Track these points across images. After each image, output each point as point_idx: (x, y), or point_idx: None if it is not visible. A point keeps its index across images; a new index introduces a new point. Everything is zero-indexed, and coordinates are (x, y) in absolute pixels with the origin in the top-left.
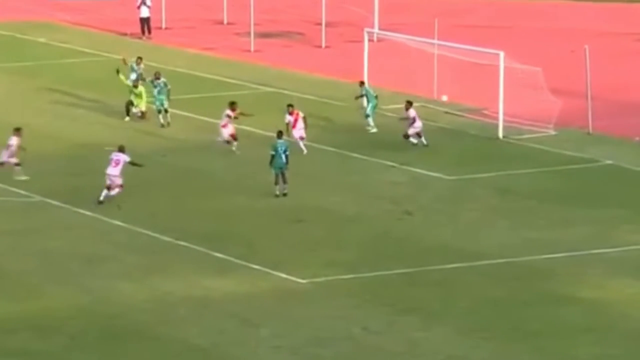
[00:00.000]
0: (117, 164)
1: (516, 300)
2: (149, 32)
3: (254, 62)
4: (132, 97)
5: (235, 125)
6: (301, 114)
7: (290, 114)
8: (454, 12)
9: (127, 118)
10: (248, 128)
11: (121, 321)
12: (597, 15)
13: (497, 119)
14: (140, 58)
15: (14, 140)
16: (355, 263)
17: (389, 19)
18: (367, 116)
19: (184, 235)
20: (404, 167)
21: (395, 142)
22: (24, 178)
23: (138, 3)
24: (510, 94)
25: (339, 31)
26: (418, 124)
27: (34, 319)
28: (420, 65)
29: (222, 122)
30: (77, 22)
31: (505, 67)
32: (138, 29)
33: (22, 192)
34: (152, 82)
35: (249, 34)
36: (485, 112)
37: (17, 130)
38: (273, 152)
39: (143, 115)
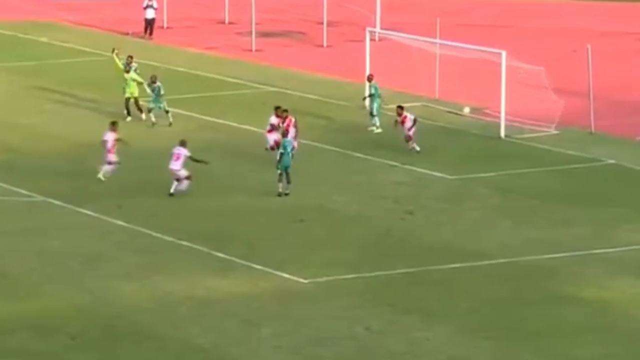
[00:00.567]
0: (177, 158)
1: (517, 300)
2: (151, 33)
3: (255, 61)
4: (124, 86)
5: (235, 125)
6: (293, 119)
7: (279, 116)
8: (455, 11)
9: (129, 118)
10: (248, 128)
11: (122, 321)
12: (600, 15)
13: (499, 118)
14: (130, 57)
15: (109, 136)
16: (356, 263)
17: (391, 18)
18: (373, 115)
19: (185, 235)
20: (406, 166)
21: (397, 142)
22: (101, 177)
23: (145, 4)
24: (513, 94)
25: (340, 30)
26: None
27: (34, 319)
28: (422, 65)
29: (268, 128)
30: (78, 22)
31: (507, 67)
32: (140, 29)
33: (23, 191)
34: (148, 85)
35: (250, 33)
36: (487, 111)
37: (113, 125)
38: (282, 151)
39: (137, 102)
